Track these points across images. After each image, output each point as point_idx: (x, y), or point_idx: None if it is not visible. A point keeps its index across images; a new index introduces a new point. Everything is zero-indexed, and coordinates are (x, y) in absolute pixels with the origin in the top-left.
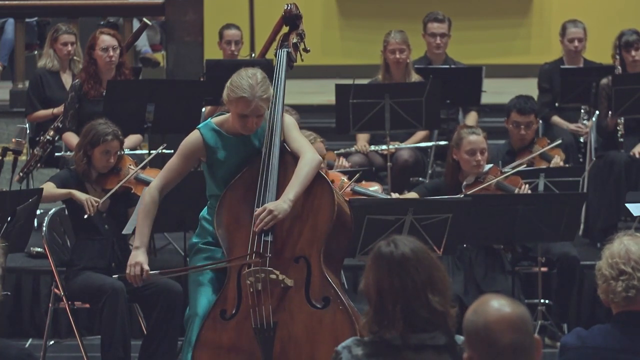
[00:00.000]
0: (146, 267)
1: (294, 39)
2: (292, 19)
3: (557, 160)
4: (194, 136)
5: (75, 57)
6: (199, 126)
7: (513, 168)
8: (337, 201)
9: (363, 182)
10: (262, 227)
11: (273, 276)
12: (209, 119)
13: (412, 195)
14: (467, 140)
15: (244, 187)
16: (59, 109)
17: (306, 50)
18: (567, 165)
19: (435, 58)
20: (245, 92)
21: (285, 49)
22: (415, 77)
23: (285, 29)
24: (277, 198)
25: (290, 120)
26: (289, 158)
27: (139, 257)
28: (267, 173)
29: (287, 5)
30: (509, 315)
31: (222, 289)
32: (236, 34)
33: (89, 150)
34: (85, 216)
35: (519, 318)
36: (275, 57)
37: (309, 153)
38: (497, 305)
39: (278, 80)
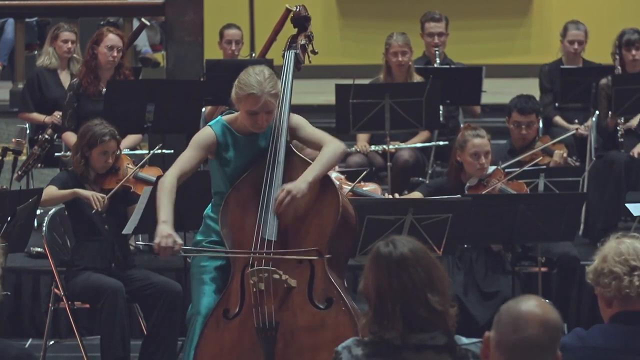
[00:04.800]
0: (179, 240)
1: (302, 40)
2: (300, 21)
3: (560, 152)
4: (206, 132)
5: (74, 55)
6: (210, 123)
7: (515, 166)
8: (342, 202)
9: (361, 183)
10: (281, 209)
11: (276, 276)
12: (219, 117)
13: (416, 194)
14: (472, 143)
15: (249, 187)
16: (51, 118)
17: (314, 52)
18: (570, 159)
19: (434, 57)
20: (253, 88)
21: (293, 51)
22: (417, 79)
23: (291, 30)
24: None
25: (300, 119)
26: (295, 159)
27: (168, 229)
28: (272, 173)
29: (296, 7)
30: (544, 315)
31: (226, 289)
32: (237, 33)
33: (87, 152)
34: (93, 211)
35: (552, 322)
36: (283, 58)
37: (334, 142)
38: (539, 303)
39: (285, 81)
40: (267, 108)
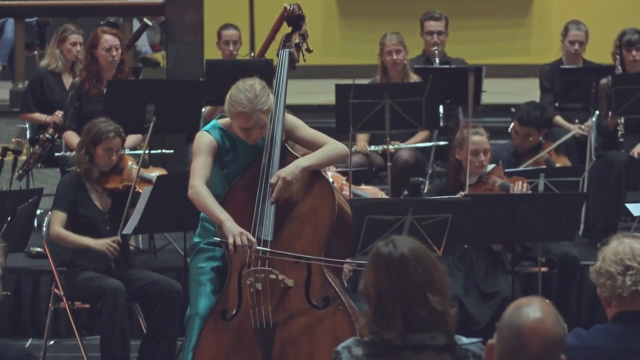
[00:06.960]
0: (253, 238)
1: (296, 39)
2: (294, 19)
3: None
4: (206, 137)
5: (79, 57)
6: (205, 128)
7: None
8: (338, 201)
9: (362, 186)
10: (277, 194)
11: (273, 276)
12: (214, 120)
13: None
14: (471, 140)
15: (245, 188)
16: (52, 117)
17: (309, 51)
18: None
19: (433, 55)
20: (244, 107)
21: (287, 49)
22: (413, 78)
23: (287, 29)
24: None
25: (296, 120)
26: (290, 158)
27: (239, 226)
28: (267, 173)
29: (290, 6)
30: (546, 330)
31: (223, 290)
32: (234, 34)
33: (91, 149)
34: (112, 265)
35: (554, 337)
36: (277, 57)
37: (338, 143)
38: (542, 314)
39: (279, 80)
40: (260, 124)
